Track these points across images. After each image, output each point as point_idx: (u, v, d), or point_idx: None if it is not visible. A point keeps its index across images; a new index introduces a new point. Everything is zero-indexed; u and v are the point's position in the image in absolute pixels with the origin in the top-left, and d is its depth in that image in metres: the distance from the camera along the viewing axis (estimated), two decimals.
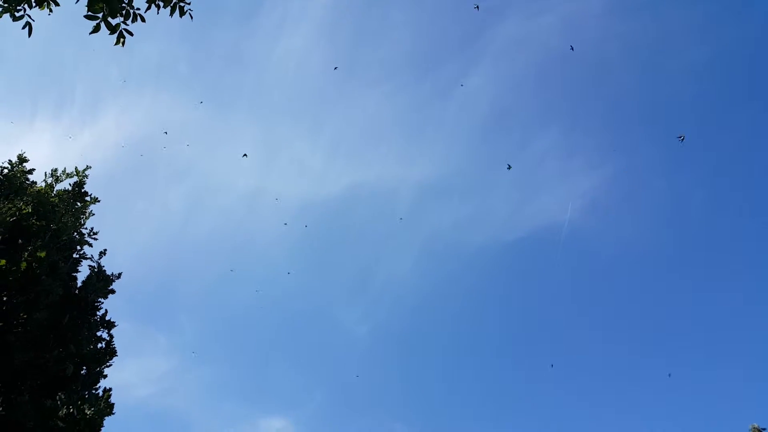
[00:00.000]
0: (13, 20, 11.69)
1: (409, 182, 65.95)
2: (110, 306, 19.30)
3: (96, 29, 9.15)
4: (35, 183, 18.24)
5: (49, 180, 18.25)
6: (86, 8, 9.74)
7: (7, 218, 16.35)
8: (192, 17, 10.41)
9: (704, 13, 58.59)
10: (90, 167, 18.77)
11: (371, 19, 63.08)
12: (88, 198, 18.69)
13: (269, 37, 62.20)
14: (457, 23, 62.66)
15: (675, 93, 61.81)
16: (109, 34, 9.31)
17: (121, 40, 9.40)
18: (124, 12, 9.71)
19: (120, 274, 18.41)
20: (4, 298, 16.05)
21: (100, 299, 17.42)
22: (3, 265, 15.57)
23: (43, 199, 17.25)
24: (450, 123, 65.20)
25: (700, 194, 62.38)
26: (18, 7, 11.43)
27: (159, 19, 10.61)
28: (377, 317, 63.27)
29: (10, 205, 16.39)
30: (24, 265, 15.68)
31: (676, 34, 60.46)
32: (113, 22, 9.27)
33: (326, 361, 62.41)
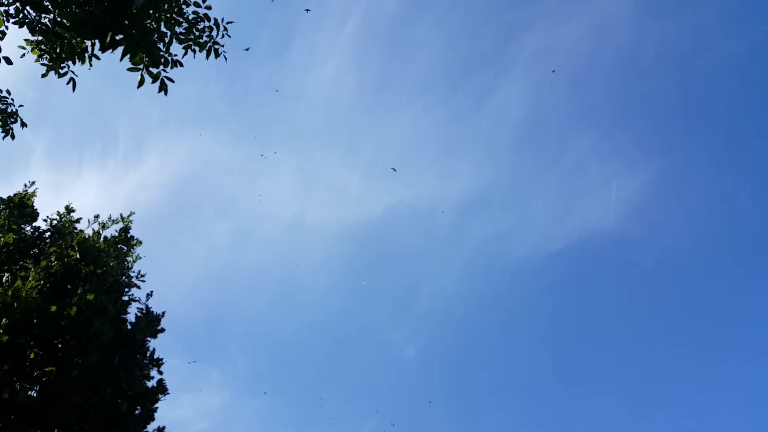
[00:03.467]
0: (58, 77, 12.40)
1: (448, 197, 66.48)
2: (162, 343, 19.90)
3: (141, 82, 9.66)
4: (83, 231, 18.97)
5: (96, 227, 18.99)
6: (128, 61, 10.31)
7: (57, 266, 17.01)
8: (226, 58, 10.96)
9: (736, 7, 58.23)
10: (134, 212, 19.62)
11: (397, 41, 64.69)
12: (133, 242, 19.39)
13: (301, 69, 64.25)
14: (483, 36, 63.61)
15: (713, 89, 61.18)
16: (152, 82, 9.82)
17: (164, 87, 9.92)
18: (162, 60, 10.25)
19: (164, 313, 19.05)
20: (59, 345, 16.63)
21: (149, 338, 17.95)
22: (54, 311, 16.15)
23: (90, 245, 17.92)
24: (484, 136, 65.77)
25: (747, 189, 61.06)
26: (62, 65, 12.13)
27: (196, 61, 11.17)
28: (425, 337, 63.19)
29: (55, 249, 17.08)
30: (74, 309, 16.25)
31: (709, 30, 60.10)
32: (154, 70, 9.77)
33: (377, 385, 62.29)
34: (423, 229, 65.62)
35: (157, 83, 9.82)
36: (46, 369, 16.23)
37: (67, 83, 12.23)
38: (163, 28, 11.02)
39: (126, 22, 7.84)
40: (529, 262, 63.60)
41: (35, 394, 16.04)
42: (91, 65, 11.73)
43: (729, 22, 58.86)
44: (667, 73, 62.90)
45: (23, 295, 15.42)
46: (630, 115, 65.95)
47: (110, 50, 9.08)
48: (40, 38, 11.90)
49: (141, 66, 9.97)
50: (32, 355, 16.17)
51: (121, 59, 10.07)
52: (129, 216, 19.50)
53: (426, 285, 64.55)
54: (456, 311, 63.70)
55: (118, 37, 8.64)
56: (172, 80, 10.01)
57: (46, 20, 11.37)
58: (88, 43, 11.40)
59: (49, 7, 9.30)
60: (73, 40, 10.83)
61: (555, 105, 65.24)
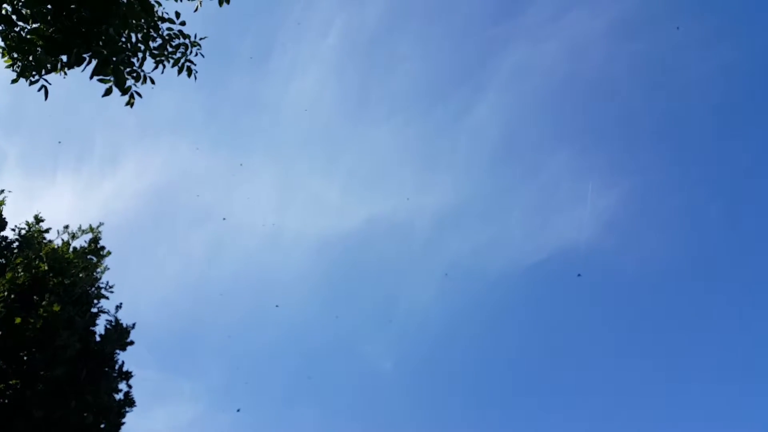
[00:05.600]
0: (29, 84, 12.19)
1: (426, 211, 67.06)
2: (134, 354, 19.55)
3: (108, 92, 9.56)
4: (51, 241, 18.66)
5: (65, 237, 18.70)
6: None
7: (24, 277, 16.68)
8: (196, 78, 10.84)
9: (707, 29, 60.15)
10: (103, 223, 19.46)
11: (378, 55, 65.44)
12: (103, 253, 19.12)
13: (281, 80, 64.49)
14: (463, 52, 64.62)
15: (685, 108, 63.01)
16: (121, 95, 9.72)
17: (131, 101, 9.81)
18: (134, 74, 10.14)
19: (134, 325, 18.74)
20: (25, 357, 16.26)
21: (117, 351, 17.63)
22: (19, 323, 15.81)
23: (58, 256, 17.62)
24: (461, 151, 66.55)
25: (716, 207, 62.89)
26: (33, 72, 11.93)
27: (175, 69, 10.97)
28: (402, 350, 63.35)
29: (22, 260, 16.76)
30: (41, 322, 15.93)
31: (680, 51, 62.02)
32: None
33: (352, 399, 62.19)
34: (401, 241, 66.02)
35: (126, 96, 9.72)
36: (10, 382, 15.88)
37: (39, 90, 12.03)
38: (137, 43, 10.92)
39: (95, 41, 7.76)
40: (506, 276, 64.32)
41: None
42: (65, 74, 11.57)
43: (700, 44, 60.56)
44: (640, 92, 64.55)
45: None
46: (604, 132, 67.47)
47: (76, 67, 8.98)
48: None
49: (111, 78, 9.87)
50: None
51: (91, 77, 9.95)
52: (98, 226, 19.30)
53: (403, 298, 64.87)
54: (433, 324, 64.01)
55: (86, 55, 8.55)
56: (140, 95, 9.92)
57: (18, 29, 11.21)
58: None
59: (15, 20, 9.16)
60: (40, 55, 10.65)
61: (532, 121, 66.41)
